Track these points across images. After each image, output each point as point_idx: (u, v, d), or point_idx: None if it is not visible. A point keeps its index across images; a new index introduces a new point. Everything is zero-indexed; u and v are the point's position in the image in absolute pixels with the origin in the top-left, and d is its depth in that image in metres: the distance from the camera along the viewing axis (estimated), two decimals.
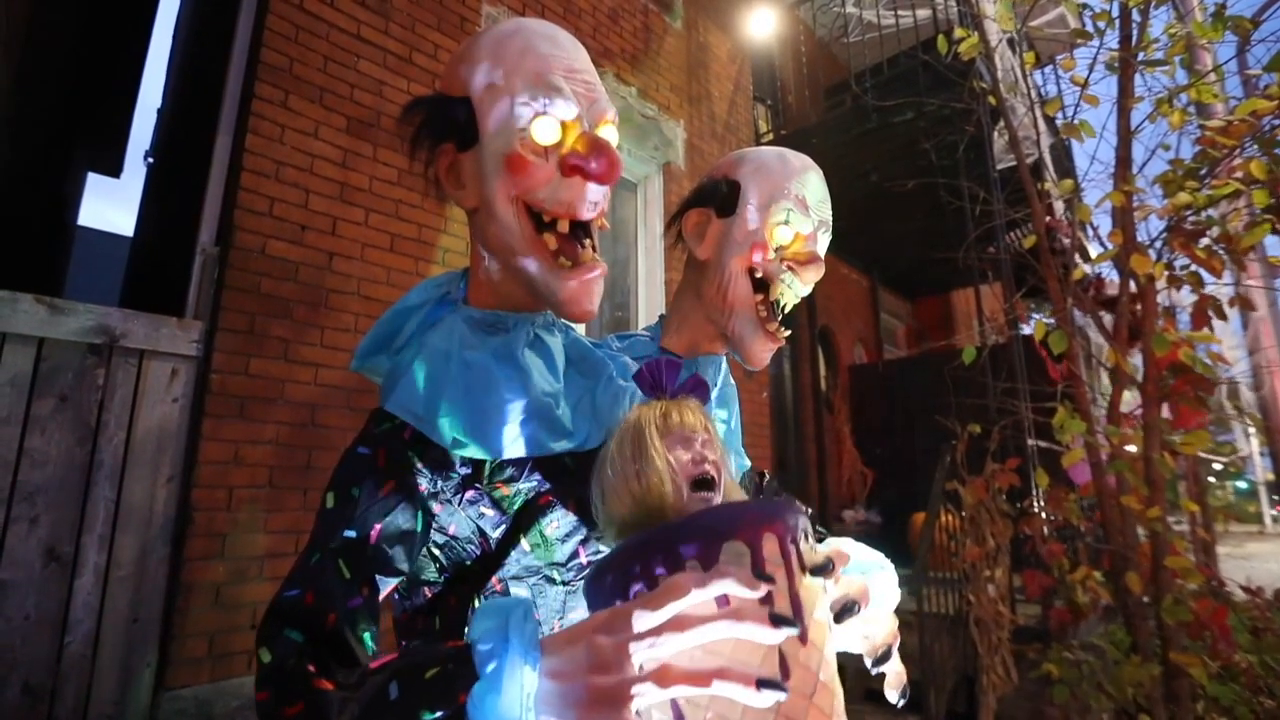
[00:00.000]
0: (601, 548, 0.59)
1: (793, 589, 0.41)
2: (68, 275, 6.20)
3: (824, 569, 0.44)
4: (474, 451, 0.59)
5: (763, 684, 0.37)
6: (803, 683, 0.40)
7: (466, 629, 0.44)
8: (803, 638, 0.40)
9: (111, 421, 1.97)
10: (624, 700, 0.38)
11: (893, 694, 0.55)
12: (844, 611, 0.48)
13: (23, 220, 4.46)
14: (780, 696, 0.37)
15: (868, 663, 0.54)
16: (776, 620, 0.38)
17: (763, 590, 0.39)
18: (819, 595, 0.44)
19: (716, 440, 0.52)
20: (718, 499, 0.49)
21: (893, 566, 0.66)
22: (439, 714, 0.40)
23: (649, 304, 3.95)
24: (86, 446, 1.92)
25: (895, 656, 0.56)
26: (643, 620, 0.39)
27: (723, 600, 0.39)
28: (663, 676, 0.38)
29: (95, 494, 1.92)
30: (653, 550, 0.42)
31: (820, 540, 0.81)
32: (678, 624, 0.38)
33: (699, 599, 0.38)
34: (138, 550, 1.97)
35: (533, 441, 0.60)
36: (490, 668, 0.40)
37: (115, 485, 1.95)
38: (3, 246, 4.05)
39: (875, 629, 0.55)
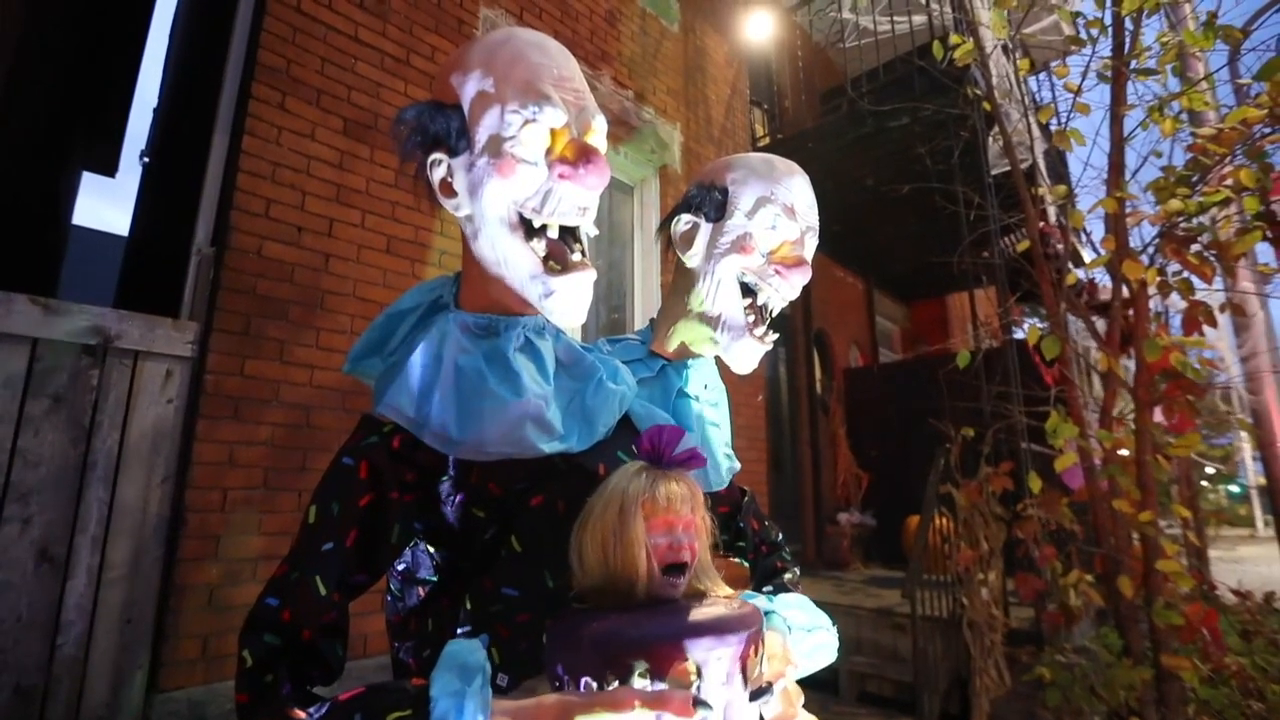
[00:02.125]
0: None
1: (728, 717, 0.46)
2: (62, 275, 6.17)
3: (762, 694, 0.49)
4: (465, 453, 0.59)
5: None
6: None
7: (460, 627, 0.48)
8: None
9: (105, 422, 1.96)
10: None
11: None
12: (759, 693, 0.52)
13: (17, 219, 4.44)
14: None
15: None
16: None
17: (700, 717, 0.43)
18: (753, 717, 0.49)
19: (700, 515, 0.55)
20: (685, 582, 0.53)
21: (835, 629, 0.71)
22: None
23: (645, 306, 3.95)
24: (80, 447, 1.91)
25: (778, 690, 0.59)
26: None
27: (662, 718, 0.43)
28: None
29: (89, 495, 1.91)
30: (608, 653, 0.45)
31: (785, 568, 0.84)
32: None
33: (639, 717, 0.42)
34: (131, 551, 1.96)
35: (524, 443, 0.61)
36: None
37: (109, 486, 1.95)
38: None
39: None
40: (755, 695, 0.48)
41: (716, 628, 0.47)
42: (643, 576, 0.50)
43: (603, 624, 0.47)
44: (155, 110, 5.23)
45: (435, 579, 0.61)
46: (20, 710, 1.74)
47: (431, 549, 0.61)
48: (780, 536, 0.91)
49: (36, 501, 1.82)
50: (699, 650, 0.45)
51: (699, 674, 0.45)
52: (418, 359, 0.62)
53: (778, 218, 0.82)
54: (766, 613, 0.64)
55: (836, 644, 0.70)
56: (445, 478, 0.60)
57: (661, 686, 0.44)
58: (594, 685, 0.45)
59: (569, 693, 0.45)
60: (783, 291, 0.83)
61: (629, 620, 0.47)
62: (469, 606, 0.58)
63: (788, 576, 0.84)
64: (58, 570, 1.83)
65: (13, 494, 1.78)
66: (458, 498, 0.59)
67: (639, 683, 0.44)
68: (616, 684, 0.44)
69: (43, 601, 1.80)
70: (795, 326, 5.92)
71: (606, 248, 3.95)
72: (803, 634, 0.66)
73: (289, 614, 0.53)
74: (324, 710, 0.48)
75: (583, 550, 0.53)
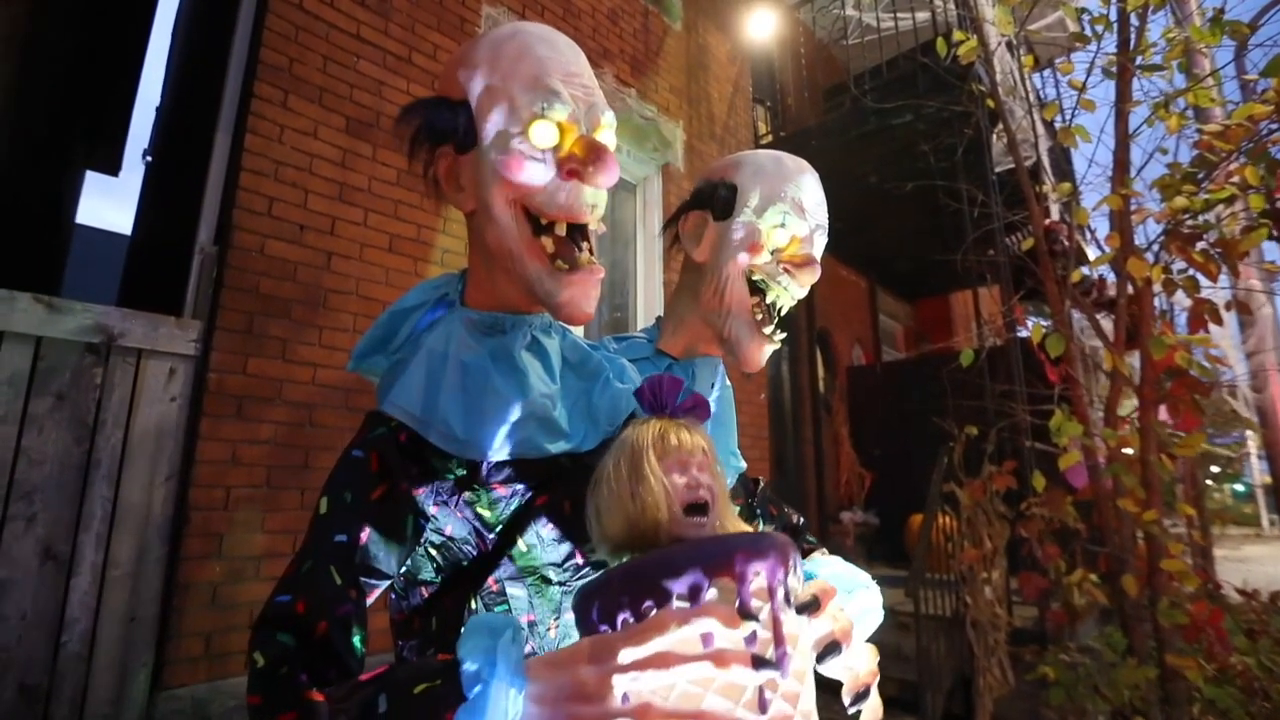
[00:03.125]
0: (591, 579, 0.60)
1: (776, 630, 0.42)
2: (65, 274, 6.18)
3: (809, 607, 0.46)
4: (471, 452, 0.59)
5: None
6: (780, 715, 0.41)
7: (459, 637, 0.45)
8: (783, 671, 0.41)
9: (109, 420, 1.97)
10: None
11: (847, 698, 0.55)
12: (826, 652, 0.49)
13: (21, 218, 4.45)
14: None
15: (846, 700, 0.54)
16: (758, 662, 0.40)
17: (746, 629, 0.40)
18: (802, 633, 0.45)
19: (713, 461, 0.53)
20: (710, 522, 0.50)
21: (877, 587, 0.68)
22: None
23: (647, 305, 3.95)
24: (84, 445, 1.92)
25: (874, 693, 0.57)
26: (627, 654, 0.40)
27: (707, 636, 0.40)
28: (643, 714, 0.39)
29: (92, 493, 1.91)
30: (641, 582, 0.43)
31: (812, 550, 0.82)
32: (661, 660, 0.39)
33: (683, 635, 0.39)
34: (135, 549, 1.96)
35: (529, 443, 0.60)
36: (476, 690, 0.40)
37: (112, 484, 1.95)
38: (0, 244, 4.04)
39: (857, 663, 0.55)
40: (802, 609, 0.46)
41: (750, 545, 0.44)
42: (665, 518, 0.48)
43: (631, 561, 0.45)
44: (158, 109, 5.24)
45: (437, 580, 0.60)
46: (25, 708, 1.74)
47: (435, 549, 0.60)
48: (801, 520, 0.89)
49: (40, 500, 1.82)
50: (736, 566, 0.42)
51: (739, 588, 0.42)
52: (423, 357, 0.62)
53: (787, 215, 0.81)
54: (806, 574, 0.63)
55: (881, 602, 0.68)
56: (450, 476, 0.59)
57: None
58: (631, 621, 0.42)
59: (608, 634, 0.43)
60: (792, 290, 0.82)
61: (658, 552, 0.45)
62: (473, 606, 0.58)
63: (816, 554, 0.82)
64: (62, 568, 1.84)
65: (17, 492, 1.79)
66: (462, 497, 0.59)
67: (678, 605, 0.41)
68: (655, 612, 0.41)
69: (47, 599, 1.81)
70: (798, 325, 5.91)
71: (609, 246, 3.95)
72: (845, 595, 0.64)
73: (303, 605, 0.50)
74: (344, 690, 0.45)
75: (600, 508, 0.51)
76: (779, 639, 0.42)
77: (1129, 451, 1.95)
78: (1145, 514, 1.83)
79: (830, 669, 0.51)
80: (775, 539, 0.45)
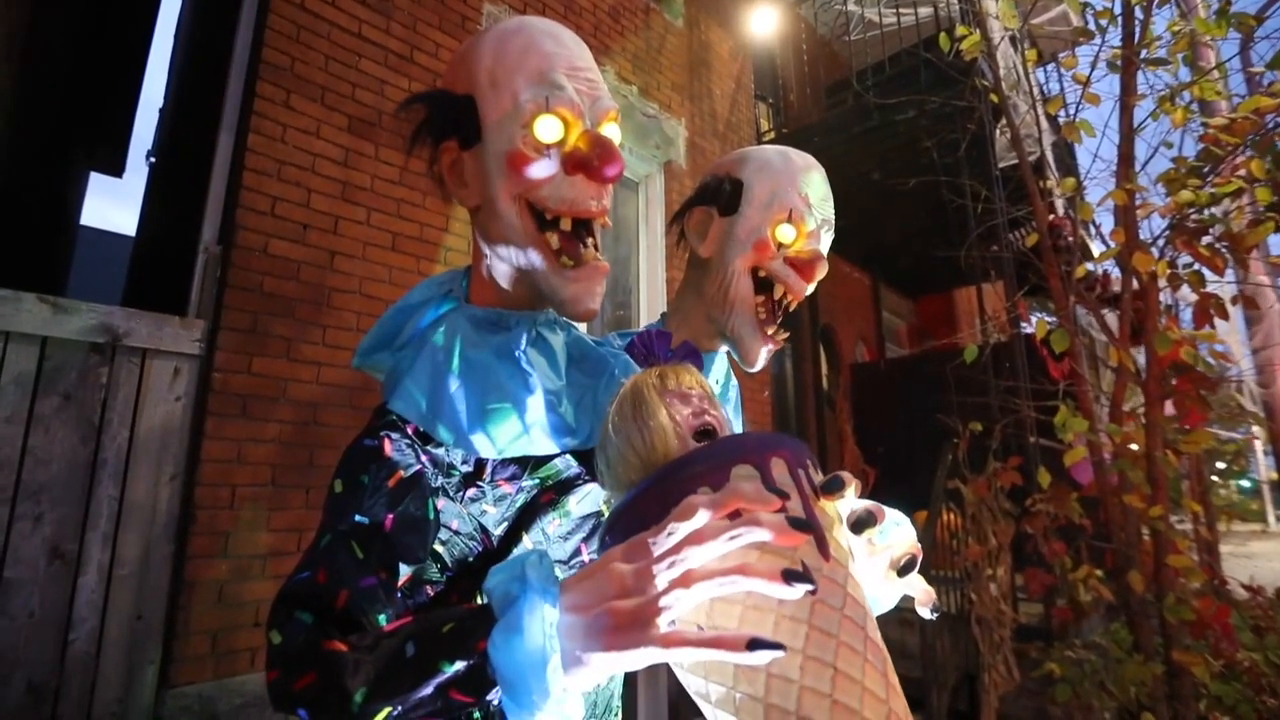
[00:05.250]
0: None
1: (806, 504, 0.40)
2: (70, 274, 6.21)
3: (836, 486, 0.42)
4: (476, 449, 0.59)
5: (789, 575, 0.35)
6: (830, 594, 0.38)
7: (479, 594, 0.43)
8: (823, 549, 0.39)
9: (115, 420, 1.97)
10: (651, 618, 0.36)
11: (924, 610, 0.52)
12: (860, 523, 0.44)
13: (25, 219, 4.46)
14: (809, 586, 0.35)
15: (892, 575, 0.51)
16: (795, 523, 0.36)
17: (777, 503, 0.37)
18: (834, 518, 0.43)
19: (715, 398, 0.52)
20: None
21: (907, 520, 0.65)
22: (459, 665, 0.39)
23: (650, 303, 3.95)
24: (90, 445, 1.92)
25: (917, 573, 0.53)
26: (660, 544, 0.37)
27: (737, 514, 0.37)
28: (687, 579, 0.36)
29: (99, 492, 1.92)
30: (663, 487, 0.41)
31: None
32: (695, 538, 0.36)
33: (713, 515, 0.37)
34: (141, 548, 1.97)
35: (535, 439, 0.60)
36: (509, 609, 0.39)
37: (118, 483, 1.96)
38: (6, 246, 4.05)
39: (895, 545, 0.52)
40: (828, 488, 0.42)
41: (765, 438, 0.42)
42: (676, 445, 0.47)
43: (648, 477, 0.43)
44: (161, 111, 5.25)
45: (442, 579, 0.60)
46: (33, 706, 1.75)
47: (440, 546, 0.60)
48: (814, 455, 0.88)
49: (47, 499, 1.83)
50: (755, 455, 0.40)
51: (762, 472, 0.40)
52: (428, 354, 0.62)
53: (793, 211, 0.80)
54: None
55: (915, 534, 0.66)
56: (456, 473, 0.59)
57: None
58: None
59: None
60: (798, 287, 0.82)
61: (673, 461, 0.43)
62: (479, 602, 0.58)
63: None
64: (69, 567, 1.85)
65: (24, 492, 1.79)
66: (467, 493, 0.59)
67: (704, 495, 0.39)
68: None
69: (54, 598, 1.82)
70: (801, 322, 5.90)
71: (612, 244, 3.94)
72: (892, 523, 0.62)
73: (324, 576, 0.48)
74: (368, 641, 0.43)
75: (610, 456, 0.49)
76: (810, 511, 0.39)
77: (1134, 447, 1.94)
78: (1151, 510, 1.83)
79: (871, 564, 0.49)
80: (789, 435, 0.43)
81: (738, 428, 0.88)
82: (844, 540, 0.43)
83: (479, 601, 0.58)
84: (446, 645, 0.40)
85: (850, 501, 0.43)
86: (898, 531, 0.51)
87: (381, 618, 0.49)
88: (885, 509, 0.53)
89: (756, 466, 0.40)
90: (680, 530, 0.37)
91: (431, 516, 0.56)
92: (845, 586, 0.39)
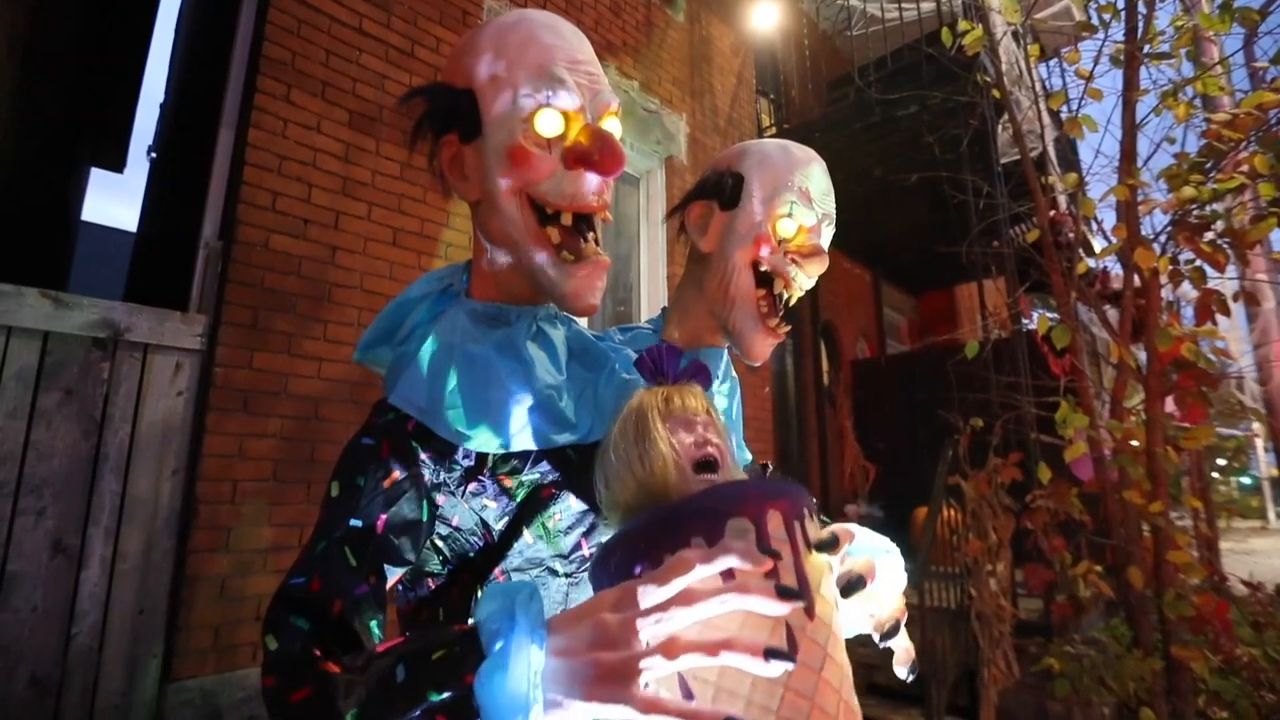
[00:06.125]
0: (605, 539, 0.60)
1: (798, 564, 0.41)
2: (72, 270, 6.21)
3: (829, 545, 0.44)
4: (477, 444, 0.59)
5: (770, 654, 0.36)
6: (811, 656, 0.39)
7: (471, 616, 0.44)
8: (809, 611, 0.40)
9: (116, 415, 1.98)
10: (632, 675, 0.37)
11: (901, 670, 0.53)
12: (850, 587, 0.46)
13: (27, 215, 4.46)
14: (788, 666, 0.37)
15: (875, 637, 0.53)
16: (783, 593, 0.38)
17: (768, 564, 0.38)
18: (825, 571, 0.44)
19: (718, 423, 0.52)
20: (720, 480, 0.49)
21: (899, 551, 0.66)
22: (446, 694, 0.40)
23: (651, 299, 3.94)
24: (92, 440, 1.93)
25: (903, 632, 0.55)
26: (649, 596, 0.38)
27: (728, 575, 0.39)
28: (670, 648, 0.37)
29: (101, 487, 1.93)
30: (657, 530, 0.42)
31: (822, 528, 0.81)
32: (684, 598, 0.38)
33: (704, 574, 0.38)
34: (143, 543, 1.98)
35: (535, 434, 0.60)
36: (497, 646, 0.40)
37: (120, 478, 1.96)
38: (8, 241, 4.06)
39: (882, 606, 0.54)
40: (821, 547, 0.44)
41: (766, 486, 0.43)
42: (674, 477, 0.47)
43: (646, 515, 0.44)
44: (162, 106, 5.25)
45: (444, 572, 0.60)
46: (36, 699, 1.76)
47: (441, 541, 0.60)
48: (813, 501, 0.89)
49: (50, 493, 1.84)
50: (750, 508, 0.41)
51: (757, 527, 0.41)
52: (428, 348, 0.61)
53: (794, 205, 0.80)
54: None
55: (903, 565, 0.68)
56: (456, 468, 0.59)
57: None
58: (650, 570, 0.41)
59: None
60: (799, 281, 0.81)
61: (672, 502, 0.44)
62: (480, 596, 0.58)
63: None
64: (71, 561, 1.85)
65: (26, 486, 1.80)
66: (468, 488, 0.59)
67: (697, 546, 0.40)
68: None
69: (57, 592, 1.82)
70: (802, 318, 5.89)
71: (613, 240, 3.94)
72: (884, 554, 0.62)
73: (318, 584, 0.49)
74: (360, 660, 0.44)
75: (609, 475, 0.50)
76: (801, 573, 0.40)
77: (1135, 443, 1.94)
78: (1151, 506, 1.83)
79: (856, 617, 0.50)
80: (790, 483, 0.44)
81: (738, 425, 0.88)
82: (830, 593, 0.44)
83: (477, 595, 0.58)
84: (435, 674, 0.41)
85: (845, 552, 0.45)
86: (887, 586, 0.52)
87: (374, 623, 0.50)
88: (878, 557, 0.56)
89: (753, 520, 0.41)
90: (669, 587, 0.38)
91: (425, 519, 0.56)
92: (826, 647, 0.41)
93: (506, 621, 0.40)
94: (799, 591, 0.38)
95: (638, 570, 0.42)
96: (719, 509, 0.41)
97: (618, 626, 0.38)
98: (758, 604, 0.38)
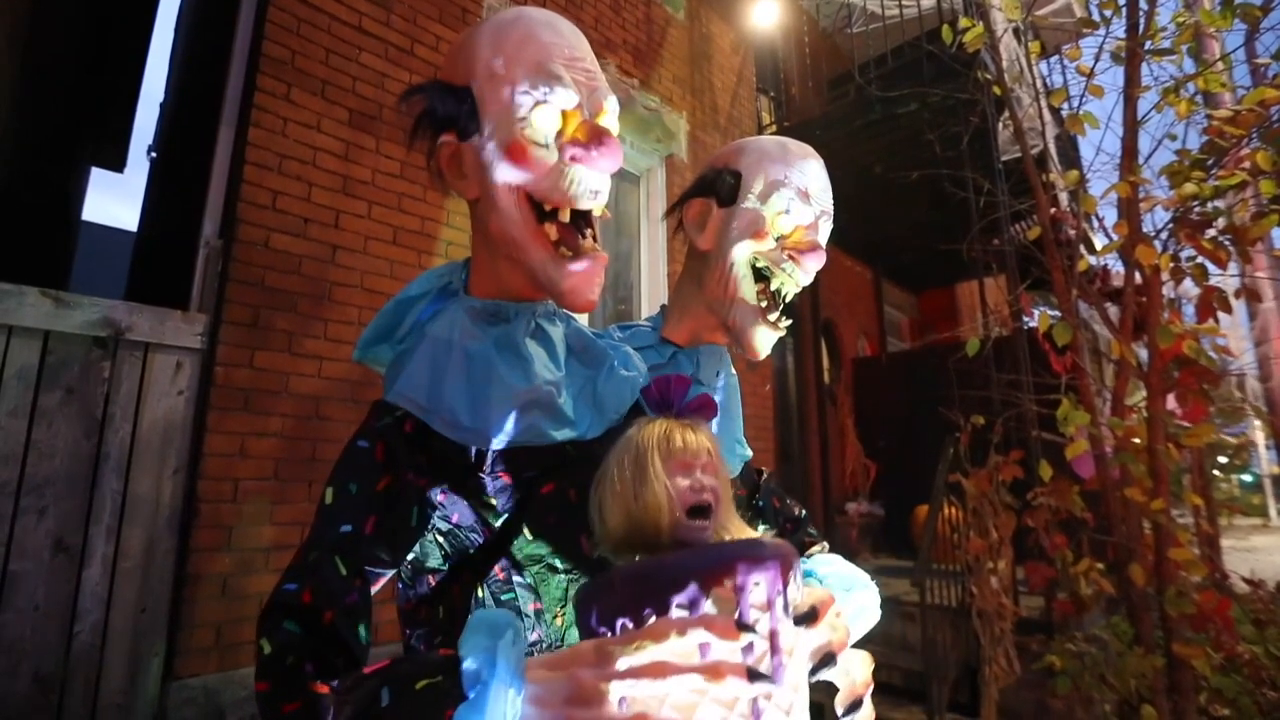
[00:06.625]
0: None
1: (773, 643, 0.43)
2: (73, 270, 6.22)
3: (807, 618, 0.47)
4: (476, 440, 0.59)
5: None
6: None
7: (464, 628, 0.46)
8: (776, 676, 0.42)
9: (118, 414, 1.98)
10: None
11: None
12: (821, 664, 0.50)
13: (28, 215, 4.47)
14: None
15: (839, 709, 0.56)
16: (753, 675, 0.41)
17: (744, 641, 0.41)
18: (799, 644, 0.46)
19: (718, 461, 0.53)
20: (712, 525, 0.50)
21: (875, 586, 0.68)
22: None
23: (652, 297, 3.94)
24: (93, 439, 1.93)
25: (868, 703, 0.58)
26: (624, 660, 0.41)
27: (704, 647, 0.41)
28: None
29: (102, 486, 1.93)
30: (641, 588, 0.43)
31: (814, 543, 0.82)
32: (657, 669, 0.40)
33: (679, 648, 0.40)
34: (145, 541, 1.98)
35: (535, 430, 0.60)
36: (476, 690, 0.41)
37: (122, 477, 1.97)
38: (8, 241, 4.06)
39: (852, 671, 0.56)
40: (800, 620, 0.46)
41: (751, 554, 0.44)
42: (666, 520, 0.49)
43: (633, 565, 0.45)
44: (162, 106, 5.25)
45: (445, 567, 0.61)
46: (39, 697, 1.77)
47: (442, 537, 0.60)
48: (803, 513, 0.89)
49: (51, 492, 1.84)
50: (736, 577, 0.43)
51: (738, 599, 0.43)
52: (427, 346, 0.62)
53: (791, 201, 0.80)
54: (805, 573, 0.63)
55: (879, 602, 0.68)
56: (456, 464, 0.59)
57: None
58: (630, 626, 0.43)
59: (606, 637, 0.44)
60: (797, 277, 0.82)
61: (660, 558, 0.45)
62: (480, 595, 0.58)
63: (816, 549, 0.82)
64: (73, 560, 1.86)
65: (28, 485, 1.80)
66: (468, 485, 0.59)
67: (677, 614, 0.42)
68: (654, 619, 0.42)
69: (59, 591, 1.83)
70: (803, 316, 5.89)
71: (614, 238, 3.94)
72: (844, 594, 0.64)
73: (309, 595, 0.51)
74: (348, 683, 0.46)
75: (603, 505, 0.52)
76: (775, 651, 0.43)
77: (1136, 441, 1.94)
78: (1152, 503, 1.83)
79: (825, 677, 0.53)
80: (777, 548, 0.45)
81: (737, 421, 0.88)
82: (801, 665, 0.46)
83: (478, 594, 0.58)
84: (417, 704, 0.42)
85: (820, 627, 0.49)
86: (855, 666, 0.56)
87: (362, 628, 0.52)
88: (854, 590, 0.62)
89: (736, 590, 0.43)
90: (645, 654, 0.40)
91: (415, 523, 0.57)
92: (789, 715, 0.43)
93: (488, 665, 0.42)
94: (769, 676, 0.42)
95: (619, 625, 0.43)
96: (704, 574, 0.43)
97: (591, 686, 0.41)
98: (728, 687, 0.40)
